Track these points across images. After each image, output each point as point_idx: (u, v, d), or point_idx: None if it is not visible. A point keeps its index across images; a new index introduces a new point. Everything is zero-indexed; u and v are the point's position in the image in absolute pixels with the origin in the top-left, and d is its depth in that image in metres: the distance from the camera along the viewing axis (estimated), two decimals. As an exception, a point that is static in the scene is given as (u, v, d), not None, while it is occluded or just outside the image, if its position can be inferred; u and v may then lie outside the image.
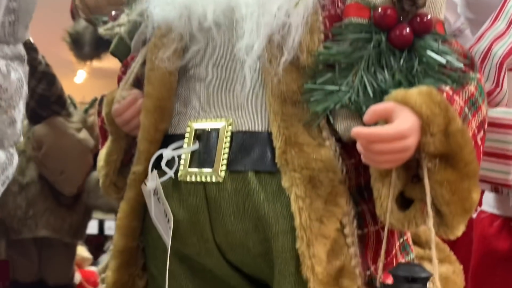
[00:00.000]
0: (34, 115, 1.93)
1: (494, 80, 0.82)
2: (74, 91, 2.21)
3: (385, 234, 0.63)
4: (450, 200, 0.59)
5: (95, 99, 1.98)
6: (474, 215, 1.02)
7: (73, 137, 1.92)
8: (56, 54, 2.39)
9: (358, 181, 0.68)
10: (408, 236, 0.78)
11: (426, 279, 0.59)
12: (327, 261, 0.63)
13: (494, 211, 0.91)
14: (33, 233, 1.87)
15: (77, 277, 2.28)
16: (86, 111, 2.08)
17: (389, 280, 0.64)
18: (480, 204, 0.99)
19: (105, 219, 3.33)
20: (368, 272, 0.68)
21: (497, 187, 0.89)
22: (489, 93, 0.81)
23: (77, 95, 2.21)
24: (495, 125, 0.80)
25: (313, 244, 0.62)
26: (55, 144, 1.88)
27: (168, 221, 0.67)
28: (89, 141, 1.96)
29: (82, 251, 2.48)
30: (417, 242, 0.80)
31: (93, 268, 2.53)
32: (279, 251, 0.65)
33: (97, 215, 2.94)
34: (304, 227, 0.62)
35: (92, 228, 3.10)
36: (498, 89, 0.82)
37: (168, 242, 0.68)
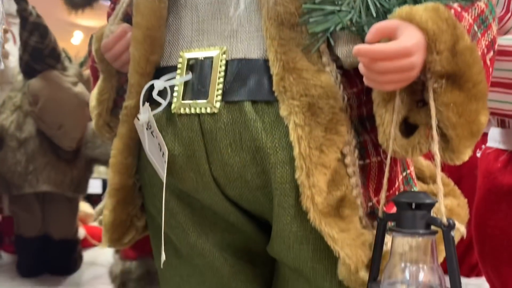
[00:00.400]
0: (28, 69, 1.89)
1: (504, 5, 0.78)
2: (71, 53, 2.17)
3: (387, 162, 0.61)
4: (457, 123, 0.56)
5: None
6: (479, 154, 1.00)
7: (70, 90, 1.89)
8: (53, 16, 2.33)
9: (360, 111, 0.66)
10: (412, 170, 0.76)
11: (431, 205, 0.57)
12: (328, 191, 0.61)
13: (500, 146, 0.88)
14: (34, 188, 1.87)
15: (82, 232, 2.31)
16: (81, 64, 2.04)
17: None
18: (484, 142, 0.97)
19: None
20: (370, 204, 0.66)
21: (503, 121, 0.86)
22: (499, 20, 0.77)
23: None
24: (504, 53, 0.76)
25: (312, 174, 0.60)
26: (51, 98, 1.85)
27: (163, 155, 0.65)
28: (86, 95, 1.92)
29: (85, 207, 2.50)
30: (421, 177, 0.79)
31: (97, 224, 2.55)
32: (278, 182, 0.63)
33: (100, 174, 2.96)
34: (303, 156, 0.60)
35: (96, 187, 3.11)
36: (509, 15, 0.78)
37: (164, 176, 0.65)
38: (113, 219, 0.75)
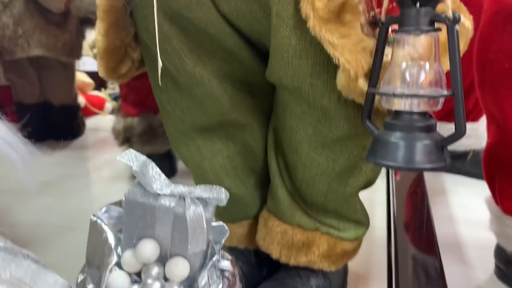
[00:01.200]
0: None
1: None
2: None
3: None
4: None
5: None
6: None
7: None
8: None
9: None
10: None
11: (436, 0, 0.54)
12: (328, -3, 0.58)
13: (512, -37, 0.82)
14: (26, 52, 1.82)
15: (81, 101, 2.31)
16: None
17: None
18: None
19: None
20: (372, 13, 0.63)
21: None
22: None
23: None
24: None
25: (313, -26, 0.56)
26: (30, -47, 1.71)
27: (151, -36, 0.60)
28: (68, -51, 1.78)
29: (83, 76, 2.48)
30: None
31: (96, 92, 2.56)
32: (276, -12, 0.59)
33: (94, 51, 2.87)
34: (303, -46, 0.55)
35: (91, 65, 3.06)
36: None
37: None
38: (106, 44, 0.73)
